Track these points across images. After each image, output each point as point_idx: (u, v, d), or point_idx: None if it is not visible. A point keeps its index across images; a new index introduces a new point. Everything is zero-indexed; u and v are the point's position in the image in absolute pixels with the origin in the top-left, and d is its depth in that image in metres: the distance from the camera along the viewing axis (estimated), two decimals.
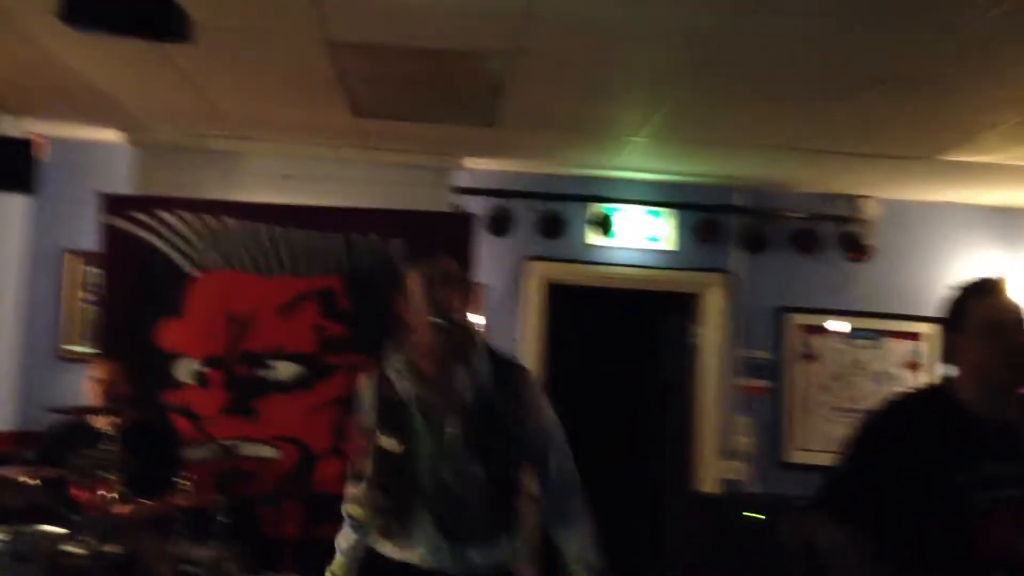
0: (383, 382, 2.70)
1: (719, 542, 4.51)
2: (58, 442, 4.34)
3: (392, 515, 2.65)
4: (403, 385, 2.65)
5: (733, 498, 5.30)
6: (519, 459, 2.67)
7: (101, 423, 4.18)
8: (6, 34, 3.83)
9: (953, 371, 2.50)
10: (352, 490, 2.79)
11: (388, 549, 2.67)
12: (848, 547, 2.43)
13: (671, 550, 4.85)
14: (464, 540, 2.58)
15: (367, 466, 2.72)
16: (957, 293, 2.49)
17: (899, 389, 5.46)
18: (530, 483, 2.74)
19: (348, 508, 2.81)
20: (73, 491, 4.20)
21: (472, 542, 2.60)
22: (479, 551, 2.61)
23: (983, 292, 2.45)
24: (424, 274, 2.62)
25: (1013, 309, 2.42)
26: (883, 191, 5.67)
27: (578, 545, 2.69)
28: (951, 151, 4.69)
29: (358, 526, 2.77)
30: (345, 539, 2.82)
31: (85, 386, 4.46)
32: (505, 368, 2.69)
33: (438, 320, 2.55)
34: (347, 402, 5.18)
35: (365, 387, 2.75)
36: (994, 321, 2.39)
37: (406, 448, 2.62)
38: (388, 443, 2.64)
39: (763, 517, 4.52)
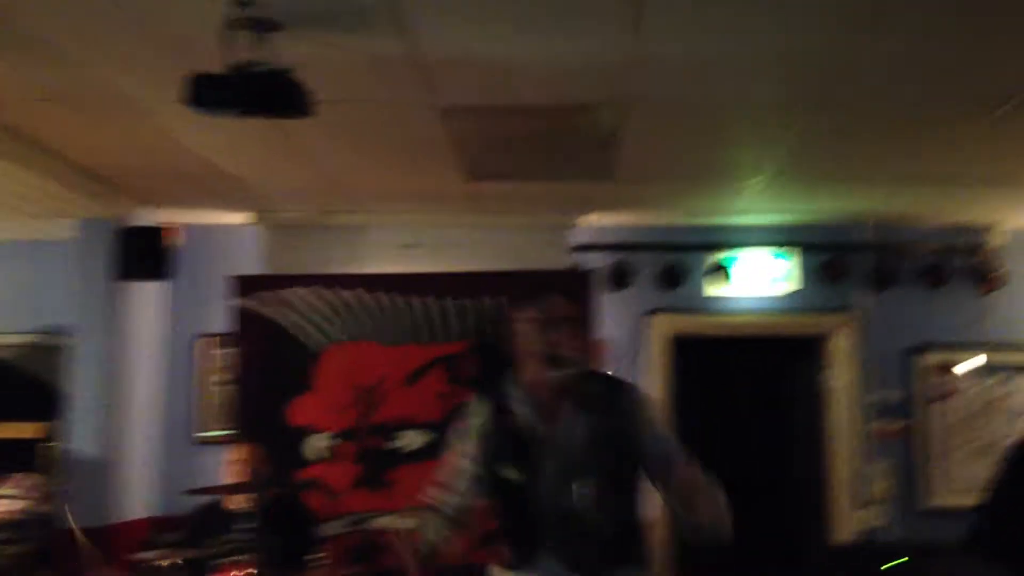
0: (501, 411, 2.66)
1: None
2: (198, 526, 4.40)
3: (515, 547, 2.62)
4: (524, 414, 2.61)
5: (872, 548, 5.06)
6: (638, 475, 2.60)
7: (237, 503, 4.24)
8: (136, 124, 4.00)
9: None
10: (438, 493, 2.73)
11: None
12: None
13: None
14: (589, 570, 2.51)
15: (460, 487, 2.69)
16: None
17: None
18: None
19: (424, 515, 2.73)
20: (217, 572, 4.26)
21: (597, 572, 2.53)
22: None
23: None
24: (535, 312, 2.60)
25: None
26: (1013, 219, 5.45)
27: (712, 510, 2.56)
28: None
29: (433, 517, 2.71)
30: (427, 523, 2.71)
31: (224, 468, 4.52)
32: (616, 388, 2.66)
33: (549, 357, 2.53)
34: None
35: (477, 414, 2.70)
36: None
37: (528, 478, 2.58)
38: (510, 473, 2.60)
39: (906, 559, 4.29)
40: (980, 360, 5.44)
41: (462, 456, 2.71)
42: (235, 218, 5.57)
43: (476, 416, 2.71)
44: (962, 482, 5.30)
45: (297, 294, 5.36)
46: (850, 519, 5.44)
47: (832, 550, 5.27)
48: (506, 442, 2.63)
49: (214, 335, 5.60)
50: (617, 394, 2.64)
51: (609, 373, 2.81)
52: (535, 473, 2.58)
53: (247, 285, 5.37)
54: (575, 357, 2.55)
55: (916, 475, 5.44)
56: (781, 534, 6.34)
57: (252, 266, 5.56)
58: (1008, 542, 2.34)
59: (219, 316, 5.45)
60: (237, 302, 5.33)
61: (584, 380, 2.59)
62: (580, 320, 2.68)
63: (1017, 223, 5.48)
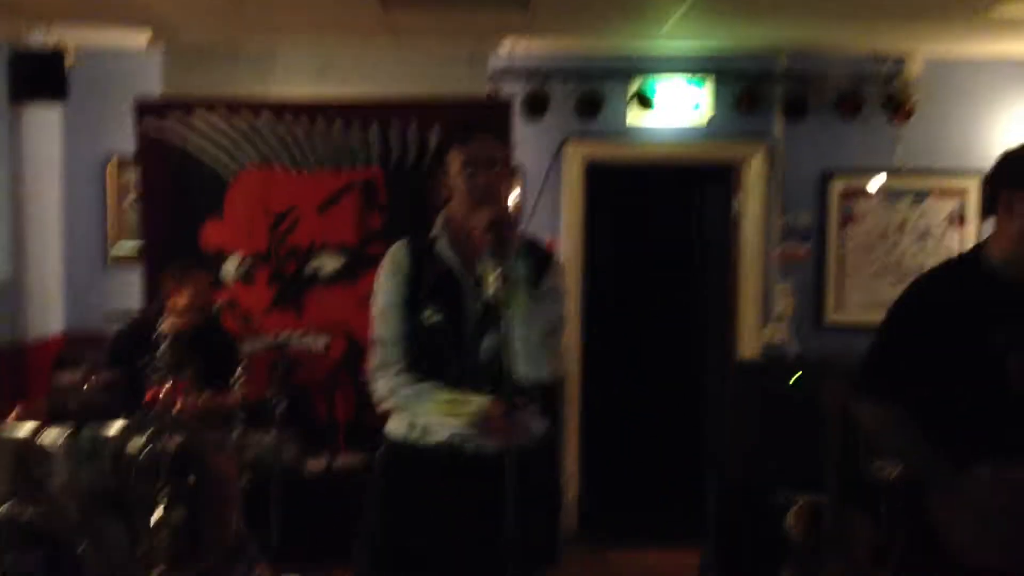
0: (426, 254, 2.68)
1: (762, 408, 4.56)
2: (126, 345, 4.47)
3: None
4: (448, 257, 2.65)
5: (775, 363, 5.34)
6: None
7: (166, 327, 4.30)
8: None
9: (991, 226, 2.47)
10: (385, 383, 2.70)
11: (414, 432, 2.65)
12: (889, 423, 2.46)
13: (715, 418, 4.91)
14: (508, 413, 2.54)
15: (394, 349, 2.68)
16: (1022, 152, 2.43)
17: (941, 250, 5.47)
18: None
19: (393, 386, 2.69)
20: (148, 391, 4.36)
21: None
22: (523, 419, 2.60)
23: None
24: (467, 157, 2.61)
25: None
26: (927, 50, 5.50)
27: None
28: (1001, 5, 4.50)
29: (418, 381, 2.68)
30: (424, 393, 2.66)
31: (169, 298, 4.51)
32: (533, 248, 2.72)
33: (477, 200, 2.56)
34: None
35: (401, 259, 2.71)
36: None
37: (447, 321, 2.64)
38: (430, 316, 2.63)
39: (800, 372, 4.54)
40: (881, 179, 5.59)
41: (385, 309, 2.70)
42: (136, 40, 5.36)
43: (401, 260, 2.71)
44: (866, 301, 5.58)
45: (204, 119, 5.26)
46: (756, 336, 5.69)
47: (738, 365, 5.55)
48: (428, 285, 2.65)
49: (125, 158, 5.50)
50: (535, 261, 2.65)
51: (534, 239, 2.81)
52: (455, 317, 2.62)
53: (151, 109, 5.25)
54: (502, 200, 2.57)
55: (822, 294, 5.68)
56: (691, 352, 6.64)
57: (154, 91, 5.41)
58: (896, 379, 2.43)
59: (126, 140, 5.34)
60: (141, 125, 5.22)
61: (509, 240, 2.56)
62: (508, 161, 2.70)
63: (931, 53, 5.53)
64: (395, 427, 2.72)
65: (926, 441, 2.38)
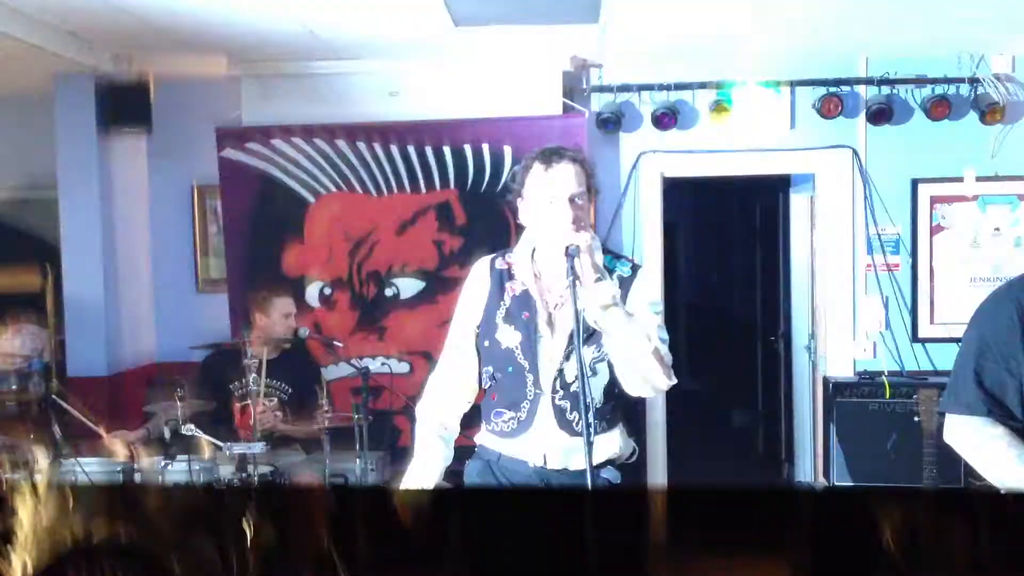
0: (506, 275, 2.68)
1: (855, 426, 4.42)
2: (216, 371, 4.53)
3: (508, 413, 2.67)
4: (524, 273, 2.65)
5: (866, 380, 5.17)
6: None
7: (254, 352, 4.35)
8: None
9: None
10: (439, 398, 2.75)
11: (505, 447, 2.68)
12: (983, 440, 2.34)
13: (802, 436, 4.78)
14: (581, 432, 2.50)
15: (464, 361, 2.72)
16: None
17: None
18: None
19: (441, 417, 2.75)
20: (236, 416, 4.42)
21: (589, 435, 2.52)
22: (599, 444, 2.57)
23: None
24: (549, 187, 2.56)
25: None
26: (1016, 46, 5.30)
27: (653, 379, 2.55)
28: None
29: (445, 436, 2.74)
30: (430, 447, 2.73)
31: (253, 323, 4.57)
32: (616, 266, 2.66)
33: (560, 236, 2.51)
34: None
35: (482, 276, 2.72)
36: None
37: (524, 338, 2.62)
38: (505, 335, 2.64)
39: (887, 398, 4.40)
40: (976, 190, 5.40)
41: (464, 330, 2.73)
42: (214, 68, 5.46)
43: (478, 281, 2.73)
44: (961, 312, 5.34)
45: (282, 144, 5.32)
46: (846, 352, 5.52)
47: (827, 384, 5.39)
48: (505, 307, 2.66)
49: (212, 185, 5.58)
50: (613, 268, 2.63)
51: (613, 250, 2.77)
52: (531, 339, 2.62)
53: (231, 135, 5.33)
54: (581, 233, 2.50)
55: (915, 306, 5.49)
56: (778, 369, 6.49)
57: (233, 116, 5.49)
58: (990, 394, 2.32)
59: (210, 166, 5.43)
60: (222, 152, 5.30)
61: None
62: (590, 188, 2.65)
63: (1020, 49, 5.33)
64: (483, 440, 2.76)
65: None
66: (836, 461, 4.58)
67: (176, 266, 5.74)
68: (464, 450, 2.80)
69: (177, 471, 3.67)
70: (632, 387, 2.54)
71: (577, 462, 2.55)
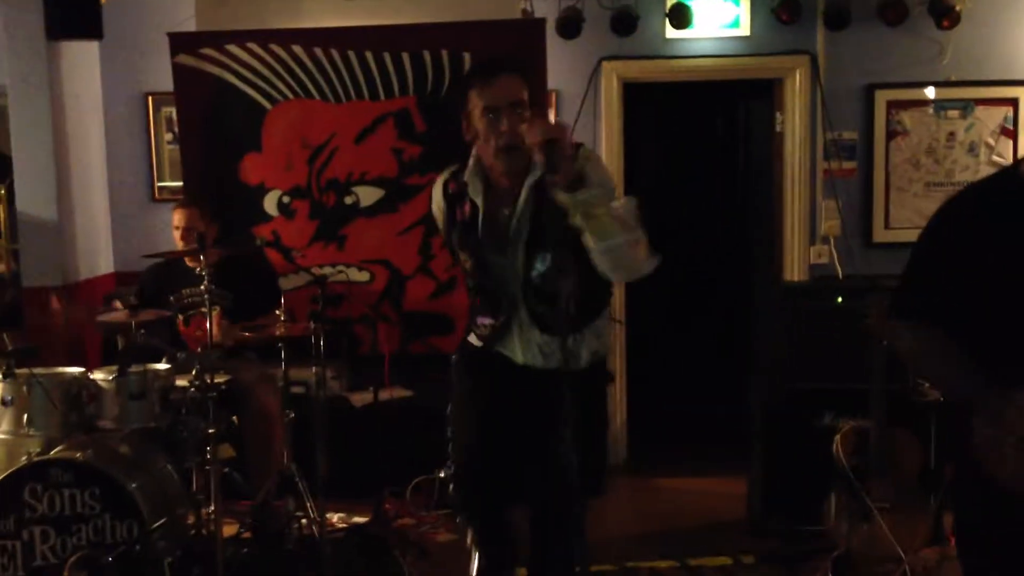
0: (458, 199, 2.73)
1: (809, 330, 4.51)
2: (158, 283, 4.55)
3: (490, 318, 2.76)
4: (480, 197, 2.68)
5: (821, 284, 5.27)
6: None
7: (193, 263, 4.35)
8: None
9: None
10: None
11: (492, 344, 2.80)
12: (928, 346, 2.39)
13: (762, 339, 4.87)
14: (561, 330, 2.53)
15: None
16: None
17: (994, 158, 5.32)
18: None
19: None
20: (180, 329, 4.45)
21: (577, 335, 2.67)
22: (584, 341, 2.70)
23: None
24: (488, 101, 2.56)
25: None
26: None
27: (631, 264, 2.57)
28: None
29: None
30: None
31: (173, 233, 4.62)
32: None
33: (502, 147, 2.54)
34: (430, 221, 5.31)
35: (438, 200, 2.81)
36: None
37: (478, 262, 2.68)
38: (463, 259, 2.74)
39: (844, 294, 4.49)
40: (930, 93, 5.43)
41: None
42: None
43: (436, 204, 2.82)
44: (916, 218, 5.46)
45: (237, 51, 5.21)
46: (802, 256, 5.61)
47: (784, 287, 5.47)
48: (463, 229, 2.72)
49: (166, 93, 5.48)
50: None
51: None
52: (495, 254, 2.68)
53: (185, 42, 5.22)
54: (526, 142, 2.47)
55: (870, 212, 5.57)
56: (737, 273, 6.57)
57: (186, 24, 5.37)
58: (935, 301, 2.33)
59: (164, 75, 5.33)
60: (176, 59, 5.20)
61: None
62: (533, 98, 2.63)
63: None
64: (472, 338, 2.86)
65: (968, 364, 2.29)
66: (794, 361, 4.68)
67: (131, 175, 5.69)
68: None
69: (133, 381, 3.69)
70: (616, 275, 2.60)
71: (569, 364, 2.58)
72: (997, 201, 2.34)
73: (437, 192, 2.81)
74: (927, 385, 4.12)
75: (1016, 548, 2.19)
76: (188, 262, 4.48)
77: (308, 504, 4.01)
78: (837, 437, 4.01)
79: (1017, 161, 2.39)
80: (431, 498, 4.70)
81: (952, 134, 5.51)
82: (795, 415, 4.43)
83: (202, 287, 3.55)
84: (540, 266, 2.60)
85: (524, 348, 2.73)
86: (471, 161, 2.72)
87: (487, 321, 2.78)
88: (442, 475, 4.56)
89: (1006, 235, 2.28)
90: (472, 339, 2.86)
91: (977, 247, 2.28)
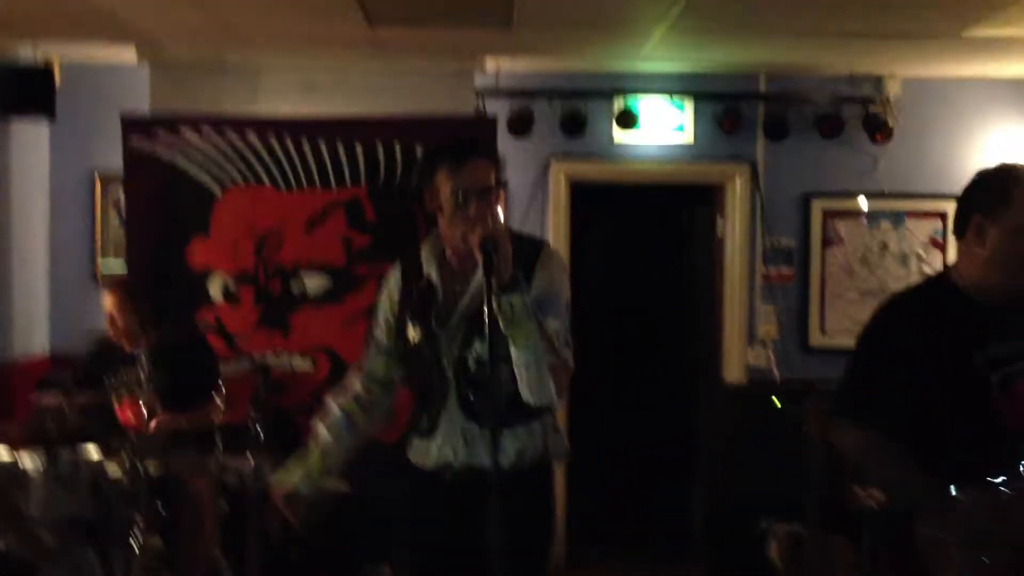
0: (415, 274, 2.74)
1: (747, 432, 4.57)
2: (96, 366, 4.48)
3: (424, 410, 2.72)
4: (429, 269, 2.69)
5: (759, 386, 5.36)
6: None
7: (131, 346, 4.30)
8: None
9: (959, 248, 2.48)
10: (351, 381, 2.84)
11: (422, 456, 2.73)
12: (870, 448, 2.46)
13: (702, 438, 4.92)
14: (493, 423, 2.45)
15: (374, 364, 2.81)
16: (1002, 175, 2.40)
17: (924, 269, 5.51)
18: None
19: (339, 400, 2.85)
20: (116, 412, 4.36)
21: (505, 425, 2.58)
22: (513, 437, 2.62)
23: None
24: (458, 183, 2.57)
25: None
26: (906, 70, 5.56)
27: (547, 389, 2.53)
28: (974, 26, 4.55)
29: (347, 421, 2.83)
30: (316, 439, 2.84)
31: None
32: (522, 246, 2.59)
33: (480, 236, 2.43)
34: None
35: (393, 275, 2.81)
36: None
37: (428, 335, 2.66)
38: (411, 333, 2.69)
39: (778, 396, 4.57)
40: (863, 203, 5.63)
41: (377, 328, 2.82)
42: (123, 56, 5.37)
43: (392, 276, 2.80)
44: (850, 324, 5.60)
45: (190, 135, 5.24)
46: (741, 359, 5.71)
47: (723, 389, 5.56)
48: (413, 304, 2.71)
49: (113, 175, 5.48)
50: (523, 251, 2.56)
51: (524, 233, 2.79)
52: (439, 333, 2.65)
53: (138, 124, 5.24)
54: (494, 228, 2.46)
55: (806, 317, 5.72)
56: (678, 374, 6.65)
57: (141, 107, 5.42)
58: (875, 405, 2.44)
59: (114, 156, 5.33)
60: (128, 141, 5.21)
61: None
62: (498, 184, 2.67)
63: (909, 73, 5.58)
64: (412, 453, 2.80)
65: (910, 465, 2.36)
66: (734, 463, 4.72)
67: (74, 258, 5.64)
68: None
69: (63, 470, 3.61)
70: (524, 390, 2.51)
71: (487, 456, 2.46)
72: (928, 306, 2.45)
73: (396, 272, 2.81)
74: (863, 491, 4.18)
75: None
76: (126, 346, 4.42)
77: None
78: (773, 542, 4.04)
79: (946, 268, 2.50)
80: None
81: (885, 244, 5.71)
82: (735, 517, 4.46)
83: (139, 371, 3.50)
84: (479, 348, 2.58)
85: (448, 435, 2.67)
86: (428, 240, 2.74)
87: (423, 414, 2.76)
88: (379, 571, 4.48)
89: (937, 338, 2.38)
90: (412, 454, 2.78)
91: (911, 350, 2.38)
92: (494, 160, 2.69)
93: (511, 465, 2.57)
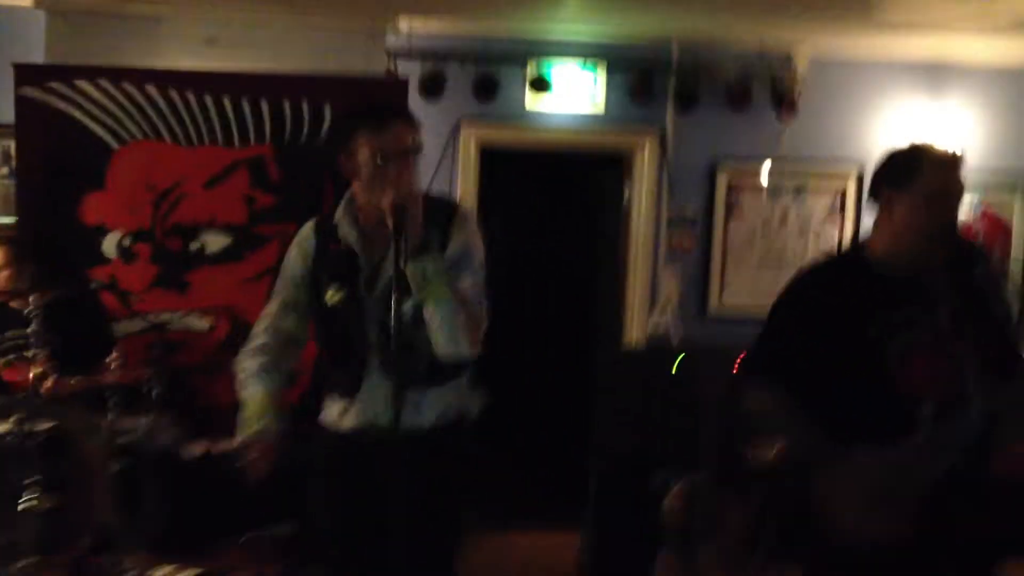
0: (328, 236, 2.70)
1: (645, 394, 4.65)
2: None
3: (341, 373, 2.70)
4: (347, 232, 2.66)
5: (659, 350, 5.45)
6: None
7: (17, 304, 4.16)
8: None
9: (872, 218, 2.59)
10: (257, 340, 2.79)
11: (339, 418, 2.72)
12: (776, 411, 2.56)
13: (600, 404, 4.99)
14: (415, 386, 2.56)
15: (285, 322, 2.76)
16: (911, 152, 2.54)
17: (820, 242, 5.67)
18: None
19: (250, 360, 2.79)
20: (2, 372, 4.22)
21: (425, 389, 2.62)
22: (433, 398, 2.65)
23: (940, 160, 2.50)
24: (378, 145, 2.55)
25: (960, 188, 2.51)
26: (812, 48, 5.66)
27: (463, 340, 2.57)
28: (884, 8, 4.67)
29: (256, 373, 2.77)
30: (247, 389, 2.78)
31: None
32: (436, 208, 2.65)
33: (391, 200, 2.47)
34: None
35: (306, 236, 2.76)
36: (943, 190, 2.48)
37: (347, 296, 2.64)
38: (333, 296, 2.66)
39: (680, 358, 4.67)
40: (765, 173, 5.74)
41: (289, 285, 2.76)
42: (20, 0, 5.14)
43: (302, 242, 2.75)
44: (749, 291, 5.76)
45: (87, 87, 5.06)
46: (643, 324, 5.80)
47: (623, 352, 5.64)
48: (330, 266, 2.68)
49: (5, 125, 5.25)
50: (436, 213, 2.62)
51: (437, 194, 2.81)
52: (359, 295, 2.63)
53: (32, 73, 5.04)
54: (407, 192, 2.49)
55: (707, 283, 5.82)
56: (581, 339, 6.72)
57: (36, 55, 5.20)
58: (781, 370, 2.56)
59: (5, 106, 5.12)
60: (21, 91, 5.01)
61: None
62: (418, 148, 2.64)
63: (816, 51, 5.69)
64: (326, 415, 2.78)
65: (810, 424, 2.49)
66: (631, 425, 4.78)
67: None
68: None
69: None
70: (439, 347, 2.55)
71: (410, 417, 2.51)
72: (835, 276, 2.59)
73: (307, 229, 2.76)
74: (760, 448, 4.30)
75: None
76: (13, 304, 4.27)
77: (133, 557, 3.84)
78: (668, 496, 4.13)
79: (857, 241, 2.63)
80: (266, 552, 4.57)
81: (785, 216, 5.84)
82: (630, 477, 4.54)
83: (28, 330, 3.39)
84: (403, 311, 2.57)
85: (370, 398, 2.67)
86: (342, 203, 2.70)
87: (338, 375, 2.74)
88: (279, 530, 4.45)
89: (839, 307, 2.49)
90: (327, 415, 2.77)
91: (814, 317, 2.50)
92: (414, 123, 2.65)
93: (431, 426, 2.64)
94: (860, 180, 5.72)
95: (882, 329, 2.46)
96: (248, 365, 2.78)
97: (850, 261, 2.61)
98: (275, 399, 2.73)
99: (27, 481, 3.41)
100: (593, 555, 4.63)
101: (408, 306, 2.49)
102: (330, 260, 2.68)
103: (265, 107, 5.20)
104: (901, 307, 2.48)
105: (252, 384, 2.75)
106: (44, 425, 3.63)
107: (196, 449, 4.78)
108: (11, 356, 4.21)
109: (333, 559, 2.77)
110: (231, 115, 5.19)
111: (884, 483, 2.38)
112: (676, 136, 5.77)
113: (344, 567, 2.74)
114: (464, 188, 5.66)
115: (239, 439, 2.68)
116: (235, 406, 5.05)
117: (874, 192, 2.58)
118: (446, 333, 2.51)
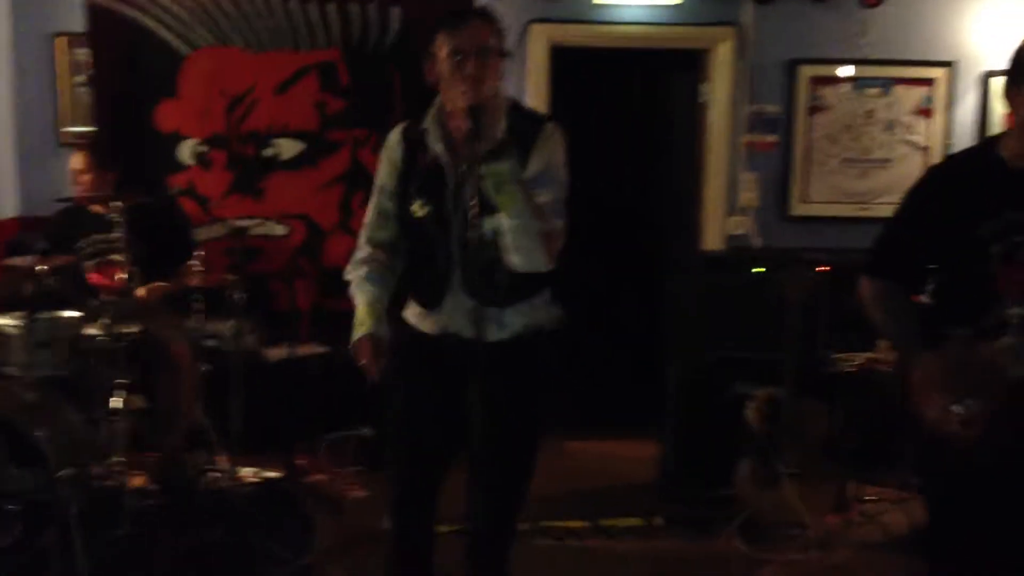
0: (415, 146, 2.66)
1: (725, 300, 4.58)
2: (65, 229, 4.39)
3: (426, 285, 2.68)
4: (439, 147, 2.61)
5: (738, 254, 5.36)
6: None
7: (100, 209, 4.20)
8: None
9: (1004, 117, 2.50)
10: (361, 253, 2.77)
11: (422, 321, 2.71)
12: (886, 301, 2.53)
13: (677, 310, 4.92)
14: (497, 302, 2.57)
15: (383, 232, 2.74)
16: None
17: (909, 137, 5.48)
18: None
19: (359, 270, 2.75)
20: (88, 276, 4.31)
21: (507, 304, 2.60)
22: (514, 314, 2.63)
23: None
24: (456, 44, 2.48)
25: None
26: None
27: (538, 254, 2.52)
28: None
29: (359, 284, 2.74)
30: (356, 299, 2.75)
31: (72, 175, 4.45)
32: (524, 120, 2.61)
33: (469, 100, 2.43)
34: (352, 177, 5.25)
35: (394, 146, 2.71)
36: None
37: (433, 211, 2.61)
38: (416, 208, 2.63)
39: (763, 270, 4.56)
40: (850, 72, 5.53)
41: (381, 195, 2.73)
42: None
43: (390, 151, 2.71)
44: (832, 192, 5.59)
45: None
46: (721, 227, 5.69)
47: (701, 256, 5.55)
48: (417, 179, 2.63)
49: (74, 35, 5.26)
50: (524, 129, 2.56)
51: (527, 108, 2.73)
52: (443, 209, 2.59)
53: None
54: (491, 92, 2.45)
55: (787, 186, 5.66)
56: (656, 243, 6.63)
57: None
58: (901, 262, 2.53)
59: (74, 14, 5.11)
60: (90, 1, 5.00)
61: (496, 119, 2.50)
62: (500, 47, 2.55)
63: None
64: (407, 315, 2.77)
65: (914, 320, 2.48)
66: (709, 330, 4.74)
67: (38, 119, 5.45)
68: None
69: (41, 328, 3.57)
70: (510, 256, 2.50)
71: (490, 333, 2.55)
72: (963, 172, 2.53)
73: (395, 136, 2.72)
74: (837, 356, 4.24)
75: (980, 498, 2.35)
76: (96, 209, 4.32)
77: (219, 458, 3.95)
78: (750, 404, 4.09)
79: (992, 138, 2.55)
80: (346, 455, 4.67)
81: (871, 112, 5.63)
82: (709, 383, 4.51)
83: (113, 235, 3.43)
84: (486, 227, 2.50)
85: (452, 313, 2.65)
86: (432, 110, 2.65)
87: (423, 286, 2.72)
88: (359, 433, 4.53)
89: (964, 202, 2.43)
90: (410, 315, 2.77)
91: (945, 215, 2.44)
92: (493, 22, 2.57)
93: (511, 339, 2.63)
94: (950, 73, 5.48)
95: (992, 228, 2.38)
96: (353, 276, 2.76)
97: (982, 156, 2.52)
98: (376, 307, 2.70)
99: (116, 382, 3.48)
100: (672, 463, 4.64)
101: (490, 224, 2.45)
102: (417, 172, 2.64)
103: (333, 10, 5.12)
104: (1020, 207, 2.39)
105: (357, 294, 2.74)
106: (132, 328, 3.69)
107: (278, 353, 4.86)
108: (98, 259, 4.30)
109: (404, 458, 2.78)
110: (299, 18, 5.13)
111: (973, 377, 2.34)
112: (755, 31, 5.56)
113: (415, 466, 2.76)
114: (534, 89, 5.55)
115: (368, 333, 2.66)
116: (313, 311, 5.17)
117: (1007, 89, 2.45)
118: (518, 242, 2.46)
